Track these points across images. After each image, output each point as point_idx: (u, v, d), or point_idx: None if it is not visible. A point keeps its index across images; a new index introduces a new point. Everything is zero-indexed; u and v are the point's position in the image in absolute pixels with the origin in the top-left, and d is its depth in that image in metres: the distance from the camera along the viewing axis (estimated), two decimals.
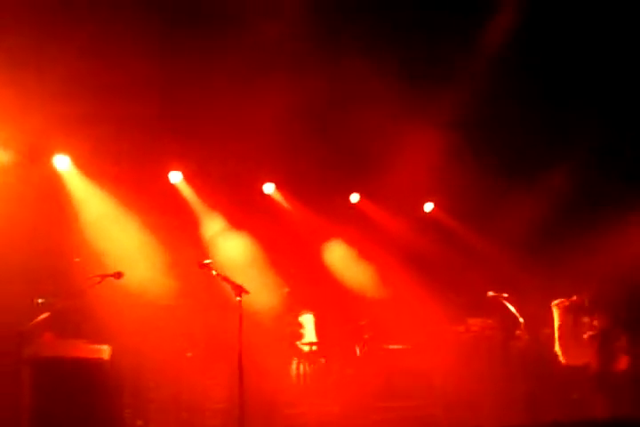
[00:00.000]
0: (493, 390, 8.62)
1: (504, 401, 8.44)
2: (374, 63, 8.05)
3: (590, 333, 8.55)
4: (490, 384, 8.70)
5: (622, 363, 8.83)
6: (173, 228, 8.63)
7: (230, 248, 9.23)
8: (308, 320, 9.33)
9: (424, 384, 8.88)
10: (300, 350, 8.97)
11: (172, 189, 9.18)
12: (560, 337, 8.64)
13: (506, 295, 7.32)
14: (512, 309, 7.26)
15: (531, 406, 7.69)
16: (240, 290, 5.96)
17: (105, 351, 6.63)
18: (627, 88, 8.64)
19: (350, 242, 10.45)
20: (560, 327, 8.68)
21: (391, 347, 9.33)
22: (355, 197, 10.49)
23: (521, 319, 7.27)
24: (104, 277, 6.40)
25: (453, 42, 8.13)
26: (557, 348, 8.68)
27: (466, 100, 8.90)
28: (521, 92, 8.63)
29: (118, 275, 6.43)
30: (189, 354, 8.17)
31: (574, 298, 8.74)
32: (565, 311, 8.72)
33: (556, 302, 8.46)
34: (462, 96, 8.94)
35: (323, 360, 8.95)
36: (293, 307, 9.30)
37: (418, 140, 9.22)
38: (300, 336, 9.15)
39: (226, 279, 6.05)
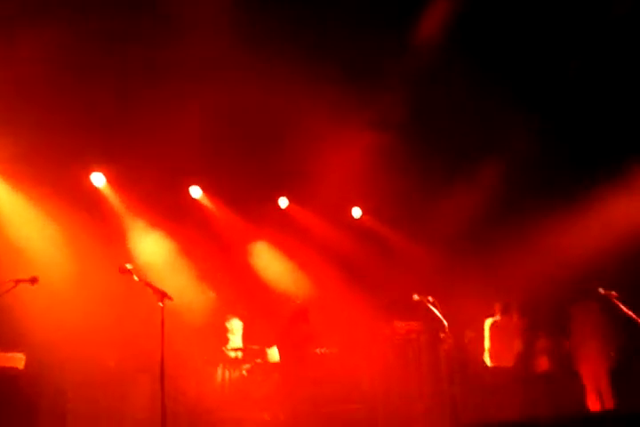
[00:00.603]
0: (421, 392, 8.71)
1: (431, 403, 8.56)
2: (302, 66, 8.03)
3: (516, 335, 8.79)
4: (417, 387, 8.79)
5: (543, 364, 9.11)
6: (95, 231, 8.36)
7: (154, 253, 9.02)
8: (235, 325, 9.21)
9: (352, 388, 8.89)
10: (226, 356, 8.85)
11: (95, 191, 8.91)
12: (489, 339, 8.84)
13: (431, 299, 7.42)
14: (436, 312, 7.36)
15: (455, 408, 7.81)
16: (163, 296, 5.81)
17: (19, 360, 6.36)
18: (558, 86, 8.77)
19: (278, 247, 10.39)
20: (490, 329, 8.88)
21: (318, 351, 9.30)
22: (283, 202, 10.45)
23: (445, 322, 7.37)
24: (18, 282, 6.12)
25: (383, 44, 8.17)
26: (486, 349, 8.88)
27: (394, 103, 9.01)
28: (450, 93, 8.73)
29: (33, 280, 6.16)
30: (111, 363, 7.93)
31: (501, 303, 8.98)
32: (495, 315, 8.94)
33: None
34: (391, 99, 9.04)
35: (248, 366, 8.84)
36: (220, 312, 9.18)
37: (346, 143, 9.28)
38: (227, 342, 9.03)
39: (148, 285, 5.89)
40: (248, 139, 9.01)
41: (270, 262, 10.32)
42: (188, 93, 8.02)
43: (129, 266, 5.95)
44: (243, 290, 9.70)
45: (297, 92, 8.26)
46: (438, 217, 10.04)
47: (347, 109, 8.88)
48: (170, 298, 5.82)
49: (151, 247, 9.09)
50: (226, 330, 9.12)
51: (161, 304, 5.78)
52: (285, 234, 10.21)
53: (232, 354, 8.86)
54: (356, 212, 10.87)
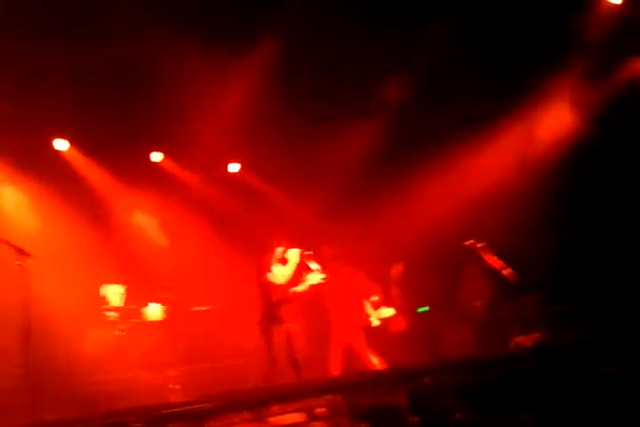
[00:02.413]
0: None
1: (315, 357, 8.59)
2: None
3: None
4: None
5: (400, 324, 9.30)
6: None
7: (13, 207, 8.44)
8: (110, 287, 8.85)
9: (233, 344, 8.83)
10: (103, 317, 8.52)
11: None
12: None
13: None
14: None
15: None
16: (21, 253, 5.43)
17: None
18: None
19: (153, 204, 10.02)
20: None
21: (196, 309, 9.17)
22: (156, 156, 10.04)
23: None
24: None
25: None
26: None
27: (275, 46, 8.77)
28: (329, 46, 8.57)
29: None
30: None
31: None
32: None
33: None
34: (271, 39, 8.82)
35: (124, 327, 8.56)
36: (96, 273, 8.78)
37: (222, 95, 9.01)
38: (104, 303, 8.68)
39: (4, 241, 5.48)
40: (119, 92, 8.54)
41: (142, 219, 9.97)
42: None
43: None
44: (121, 250, 9.33)
45: (170, 41, 7.90)
46: (319, 167, 10.00)
47: (219, 59, 8.57)
48: (30, 255, 5.45)
49: (12, 203, 8.50)
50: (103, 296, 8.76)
51: (19, 262, 5.41)
52: (159, 190, 9.86)
53: (111, 314, 8.54)
54: (234, 166, 10.62)
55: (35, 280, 5.72)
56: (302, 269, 7.42)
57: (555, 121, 9.50)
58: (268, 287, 7.24)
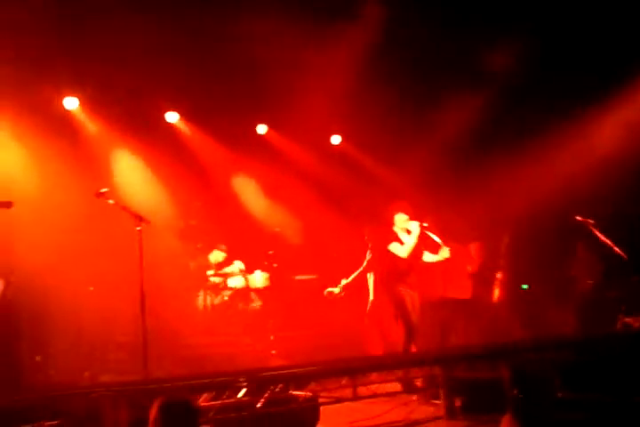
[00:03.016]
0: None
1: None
2: None
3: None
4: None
5: (495, 295, 9.16)
6: (70, 156, 8.16)
7: (130, 177, 8.87)
8: (217, 253, 9.22)
9: (334, 313, 8.97)
10: (207, 282, 8.89)
11: (69, 116, 8.65)
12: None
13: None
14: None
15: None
16: (140, 219, 5.74)
17: None
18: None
19: (257, 174, 10.28)
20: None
21: (300, 277, 9.39)
22: (262, 129, 10.23)
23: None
24: None
25: None
26: None
27: (378, 27, 8.72)
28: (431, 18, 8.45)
29: (8, 204, 6.02)
30: (91, 288, 7.93)
31: None
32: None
33: None
34: (374, 24, 8.75)
35: (229, 292, 8.90)
36: (200, 239, 9.15)
37: (325, 69, 9.03)
38: (208, 268, 9.05)
39: (124, 208, 5.80)
40: (225, 65, 8.74)
41: (249, 191, 10.24)
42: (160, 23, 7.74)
43: (104, 190, 5.86)
44: (223, 217, 9.66)
45: (274, 17, 7.97)
46: (420, 143, 9.90)
47: (327, 35, 8.59)
48: (147, 222, 5.76)
49: (127, 172, 8.94)
50: (208, 261, 9.13)
51: (138, 228, 5.72)
52: (264, 161, 10.08)
53: (214, 280, 8.91)
54: (336, 139, 10.68)
55: (148, 245, 6.03)
56: (423, 240, 7.31)
57: None
58: (394, 256, 7.18)
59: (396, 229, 7.32)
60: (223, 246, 9.21)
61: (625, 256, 7.30)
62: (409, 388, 6.35)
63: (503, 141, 9.54)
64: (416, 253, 7.25)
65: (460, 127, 9.78)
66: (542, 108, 9.35)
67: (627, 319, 7.17)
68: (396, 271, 7.18)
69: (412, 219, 7.28)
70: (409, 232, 7.23)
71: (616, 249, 7.38)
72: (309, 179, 10.24)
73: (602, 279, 8.27)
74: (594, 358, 5.81)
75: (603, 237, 7.40)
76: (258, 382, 5.09)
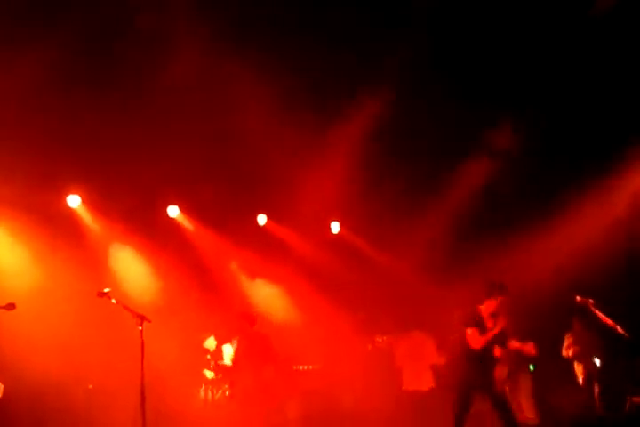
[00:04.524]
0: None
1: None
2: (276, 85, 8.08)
3: None
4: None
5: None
6: (73, 255, 8.29)
7: (132, 274, 8.95)
8: (214, 345, 9.15)
9: (336, 404, 8.84)
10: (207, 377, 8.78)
11: (72, 213, 8.84)
12: None
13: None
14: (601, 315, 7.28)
15: None
16: (142, 319, 5.79)
17: None
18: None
19: (259, 264, 10.35)
20: None
21: (301, 368, 9.28)
22: (262, 219, 10.41)
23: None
24: None
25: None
26: None
27: (372, 114, 9.01)
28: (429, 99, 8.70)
29: (10, 306, 6.08)
30: (90, 386, 7.85)
31: None
32: None
33: None
34: (367, 111, 9.06)
35: (227, 387, 8.77)
36: (201, 333, 9.11)
37: (323, 159, 9.28)
38: (208, 362, 8.96)
39: (126, 308, 5.86)
40: (224, 157, 8.99)
41: (246, 281, 10.29)
42: (159, 115, 8.04)
43: (106, 289, 5.93)
44: (223, 309, 9.65)
45: (267, 110, 8.28)
46: (417, 231, 10.05)
47: (323, 126, 8.91)
48: (149, 320, 5.80)
49: (129, 269, 9.03)
50: (205, 351, 9.06)
51: (140, 328, 5.76)
52: (265, 252, 10.18)
53: (209, 374, 8.80)
54: (335, 227, 10.85)
55: (148, 342, 6.03)
56: None
57: None
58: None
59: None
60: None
61: (627, 335, 7.24)
62: None
63: (498, 223, 9.70)
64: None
65: (456, 211, 9.95)
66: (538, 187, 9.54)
67: (635, 398, 7.05)
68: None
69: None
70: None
71: (618, 329, 7.33)
72: (309, 267, 10.28)
73: (608, 359, 8.17)
74: None
75: (603, 317, 7.39)
76: None
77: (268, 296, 10.25)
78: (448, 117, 8.84)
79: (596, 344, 8.14)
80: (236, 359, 8.35)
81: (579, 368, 8.06)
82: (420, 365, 8.92)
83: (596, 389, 7.91)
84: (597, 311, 7.59)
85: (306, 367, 9.29)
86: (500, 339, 6.63)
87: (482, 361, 6.58)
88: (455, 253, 9.98)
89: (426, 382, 8.85)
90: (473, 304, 6.78)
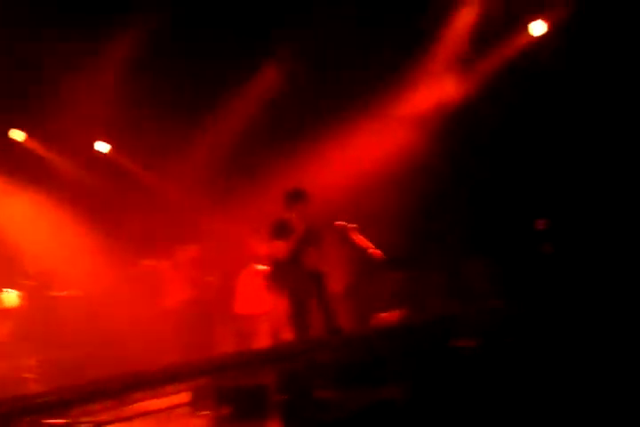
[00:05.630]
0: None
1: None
2: None
3: None
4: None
5: None
6: None
7: None
8: None
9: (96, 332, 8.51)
10: None
11: None
12: None
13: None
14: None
15: None
16: None
17: None
18: None
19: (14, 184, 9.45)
20: None
21: (55, 294, 8.77)
22: (19, 135, 9.50)
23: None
24: None
25: None
26: None
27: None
28: None
29: None
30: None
31: None
32: None
33: None
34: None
35: None
36: None
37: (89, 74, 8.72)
38: None
39: None
40: None
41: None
42: None
43: None
44: None
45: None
46: (191, 154, 9.76)
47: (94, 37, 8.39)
48: None
49: None
50: None
51: None
52: (23, 171, 9.31)
53: None
54: (102, 146, 10.16)
55: None
56: None
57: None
58: None
59: None
60: None
61: (379, 257, 7.52)
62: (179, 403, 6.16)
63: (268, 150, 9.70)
64: None
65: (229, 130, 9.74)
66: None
67: (383, 315, 7.56)
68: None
69: None
70: None
71: (371, 250, 7.62)
72: (71, 188, 9.64)
73: (356, 278, 8.62)
74: (357, 356, 6.05)
75: (359, 240, 7.69)
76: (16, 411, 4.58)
77: (24, 219, 9.41)
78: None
79: (349, 266, 8.61)
80: None
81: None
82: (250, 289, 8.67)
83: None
84: (353, 234, 7.90)
85: (62, 294, 8.80)
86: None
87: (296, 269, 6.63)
88: (236, 173, 9.85)
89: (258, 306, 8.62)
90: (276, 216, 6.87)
